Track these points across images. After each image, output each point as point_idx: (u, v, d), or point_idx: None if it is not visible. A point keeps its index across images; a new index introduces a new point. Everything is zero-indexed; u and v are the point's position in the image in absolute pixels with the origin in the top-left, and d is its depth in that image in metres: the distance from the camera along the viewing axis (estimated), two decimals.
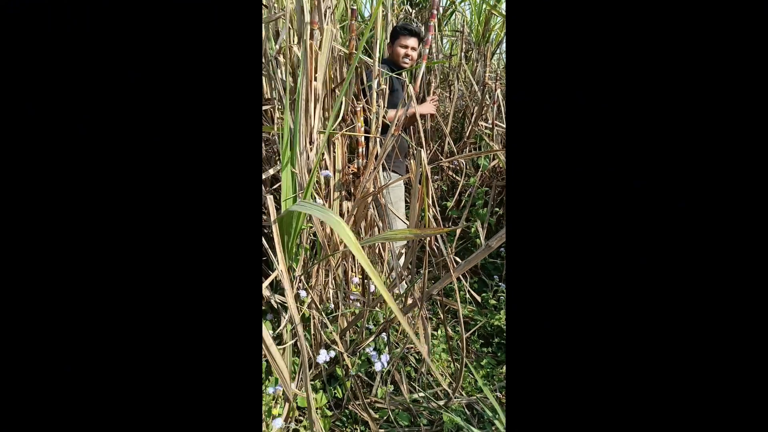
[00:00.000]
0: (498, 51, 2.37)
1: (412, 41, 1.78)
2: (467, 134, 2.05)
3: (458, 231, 2.02)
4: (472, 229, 2.00)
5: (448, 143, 2.43)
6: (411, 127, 2.15)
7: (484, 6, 2.28)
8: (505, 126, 1.91)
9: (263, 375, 1.04)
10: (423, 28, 1.91)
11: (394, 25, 1.85)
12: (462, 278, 1.83)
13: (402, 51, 1.79)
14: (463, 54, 2.78)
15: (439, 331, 1.78)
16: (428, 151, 2.40)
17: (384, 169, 1.81)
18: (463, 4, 2.48)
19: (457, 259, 1.67)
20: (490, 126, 1.88)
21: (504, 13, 2.22)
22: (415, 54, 1.82)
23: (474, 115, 2.02)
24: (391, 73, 1.77)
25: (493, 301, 1.79)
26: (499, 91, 1.84)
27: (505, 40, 2.35)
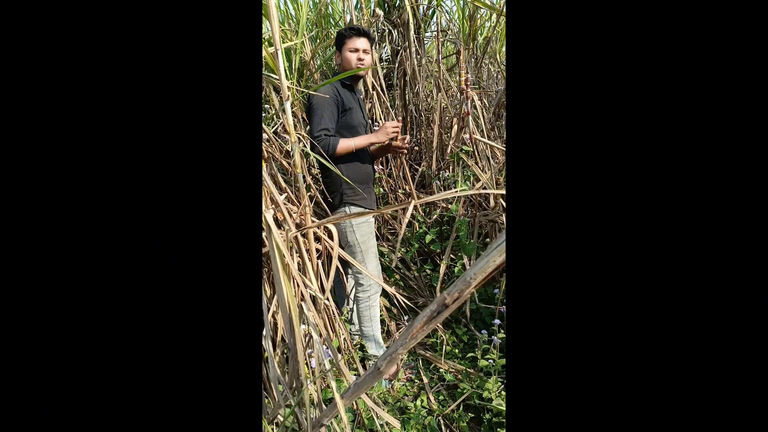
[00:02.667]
0: (489, 49, 2.03)
1: (362, 42, 1.47)
2: (447, 151, 1.70)
3: (443, 268, 1.65)
4: (457, 268, 1.62)
5: (428, 164, 2.09)
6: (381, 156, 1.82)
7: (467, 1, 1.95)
8: (487, 140, 1.54)
9: None
10: (373, 29, 1.56)
11: (339, 29, 1.53)
12: (445, 329, 1.46)
13: (353, 56, 1.48)
14: (449, 57, 2.44)
15: (419, 401, 1.41)
16: (401, 176, 2.06)
17: (343, 203, 1.47)
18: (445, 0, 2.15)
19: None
20: (470, 141, 1.53)
21: (489, 4, 1.87)
22: (368, 58, 1.50)
23: (454, 129, 1.67)
24: (334, 92, 1.44)
25: (483, 362, 1.40)
26: (475, 97, 1.49)
27: (495, 37, 2.00)
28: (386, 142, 1.48)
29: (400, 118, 1.63)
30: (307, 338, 0.69)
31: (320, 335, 0.70)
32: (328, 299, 0.99)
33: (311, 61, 2.20)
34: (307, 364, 0.97)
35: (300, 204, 1.15)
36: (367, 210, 1.51)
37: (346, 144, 1.39)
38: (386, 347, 1.68)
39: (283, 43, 2.25)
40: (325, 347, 0.74)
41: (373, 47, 1.71)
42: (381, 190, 2.09)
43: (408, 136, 1.56)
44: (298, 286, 0.68)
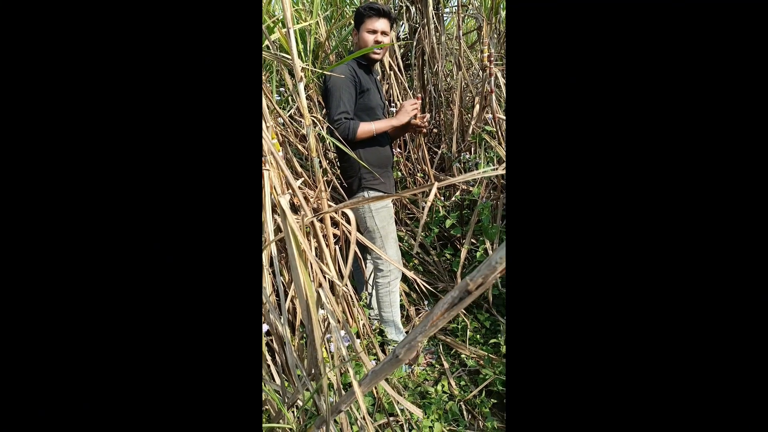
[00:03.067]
0: None
1: (381, 23, 1.40)
2: (469, 132, 1.64)
3: (464, 252, 1.61)
4: (479, 253, 1.58)
5: (447, 146, 2.02)
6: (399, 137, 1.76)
7: None
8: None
9: None
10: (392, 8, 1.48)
11: (359, 6, 1.46)
12: (467, 314, 1.44)
13: (370, 38, 1.41)
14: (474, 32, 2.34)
15: (440, 386, 1.39)
16: (421, 157, 2.00)
17: (361, 188, 1.44)
18: None
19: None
20: (493, 121, 1.46)
21: None
22: (387, 40, 1.44)
23: (476, 108, 1.60)
24: (357, 70, 1.38)
25: (506, 348, 1.37)
26: (499, 74, 1.42)
27: None
28: (406, 123, 1.43)
29: (419, 96, 1.56)
30: (325, 323, 0.68)
31: (338, 321, 0.68)
32: (346, 285, 0.97)
33: (326, 42, 2.15)
34: (326, 348, 0.96)
35: (316, 189, 1.13)
36: (386, 194, 1.48)
37: (366, 128, 1.34)
38: (406, 332, 1.67)
39: (297, 23, 2.20)
40: (343, 333, 0.72)
41: (393, 28, 1.65)
42: (399, 173, 2.05)
43: (427, 115, 1.50)
44: (314, 272, 0.66)
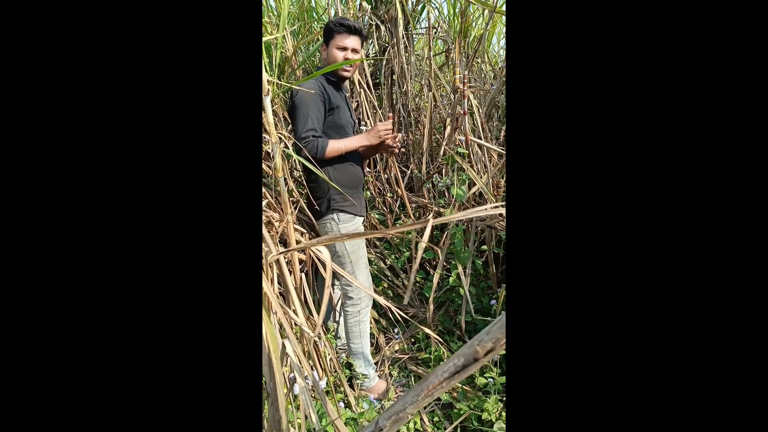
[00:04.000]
0: (480, 48, 1.94)
1: (352, 41, 1.34)
2: (440, 153, 1.60)
3: (436, 277, 1.55)
4: (451, 278, 1.53)
5: (417, 167, 1.98)
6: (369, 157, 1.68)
7: None
8: (483, 142, 1.45)
9: None
10: (365, 25, 1.42)
11: (329, 21, 1.39)
12: (441, 341, 1.36)
13: (340, 54, 1.35)
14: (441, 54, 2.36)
15: (411, 423, 1.30)
16: (393, 178, 1.95)
17: (330, 209, 1.34)
18: None
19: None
20: (465, 143, 1.43)
21: (484, 0, 1.79)
22: (357, 57, 1.38)
23: (447, 130, 1.57)
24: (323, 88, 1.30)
25: (481, 380, 1.30)
26: (471, 96, 1.40)
27: (489, 35, 1.91)
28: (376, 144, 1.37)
29: (390, 115, 1.51)
30: (290, 381, 0.58)
31: (304, 375, 0.58)
32: (320, 335, 0.87)
33: (293, 57, 2.08)
34: (289, 398, 0.84)
35: (282, 211, 1.03)
36: (357, 215, 1.38)
37: (335, 146, 1.27)
38: (375, 364, 1.57)
39: (263, 36, 2.11)
40: (311, 394, 0.62)
41: (363, 46, 1.60)
42: (368, 193, 1.98)
43: (400, 135, 1.45)
44: (278, 319, 0.56)
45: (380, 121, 2.02)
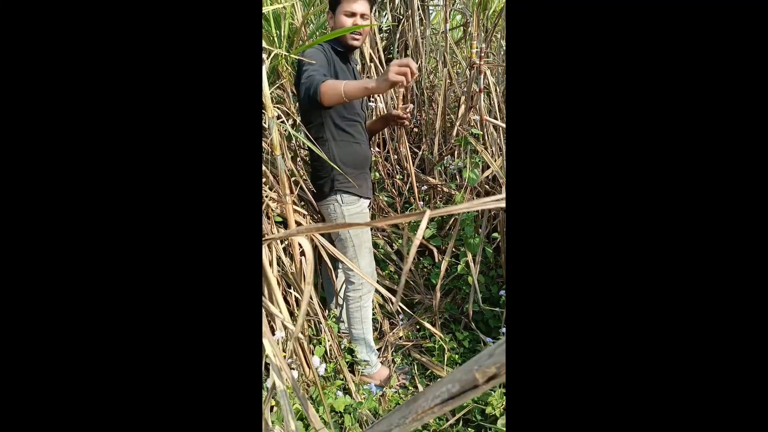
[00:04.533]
0: (500, 22, 1.81)
1: (360, 5, 1.21)
2: (453, 134, 1.51)
3: (444, 264, 1.49)
4: (460, 266, 1.46)
5: (429, 148, 1.88)
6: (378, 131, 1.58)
7: None
8: (499, 123, 1.36)
9: None
10: None
11: None
12: (443, 330, 1.31)
13: (348, 21, 1.22)
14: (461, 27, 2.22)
15: None
16: (403, 156, 1.87)
17: (333, 190, 1.26)
18: None
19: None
20: (480, 124, 1.34)
21: None
22: (366, 23, 1.24)
23: (461, 109, 1.47)
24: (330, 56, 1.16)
25: None
26: (488, 72, 1.30)
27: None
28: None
29: (402, 89, 1.38)
30: (270, 389, 0.53)
31: (287, 387, 0.53)
32: (302, 332, 0.82)
33: (303, 28, 1.98)
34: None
35: (280, 192, 0.97)
36: (362, 197, 1.30)
37: (333, 86, 1.02)
38: (378, 350, 1.53)
39: (270, 4, 2.01)
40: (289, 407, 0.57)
41: (374, 11, 1.48)
42: (377, 174, 1.90)
43: (410, 105, 1.33)
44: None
45: (391, 99, 1.92)
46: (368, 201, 1.34)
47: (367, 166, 1.34)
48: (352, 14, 1.22)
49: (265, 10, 1.85)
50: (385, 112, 1.78)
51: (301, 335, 1.00)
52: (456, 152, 1.63)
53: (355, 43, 1.26)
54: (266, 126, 0.88)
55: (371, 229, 1.70)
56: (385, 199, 1.94)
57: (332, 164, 1.14)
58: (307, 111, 1.23)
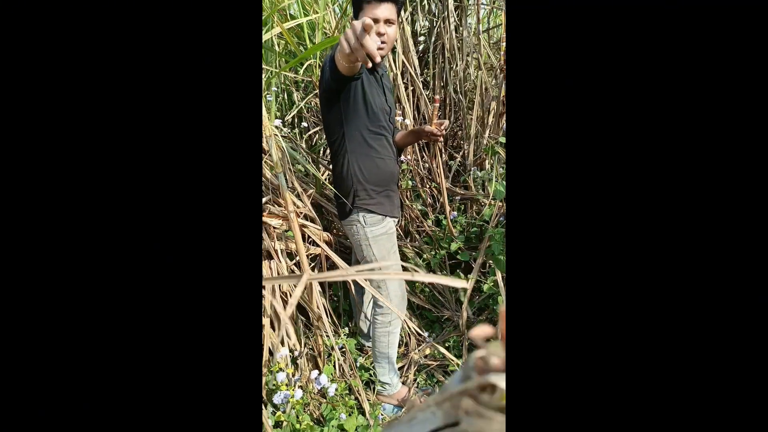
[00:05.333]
0: None
1: (384, 9, 1.10)
2: (483, 144, 1.40)
3: (470, 283, 1.39)
4: (486, 285, 1.35)
5: (464, 156, 1.76)
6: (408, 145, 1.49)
7: None
8: None
9: None
10: None
11: None
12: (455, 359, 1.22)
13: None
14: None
15: None
16: (435, 168, 1.78)
17: (355, 208, 1.17)
18: None
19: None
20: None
21: None
22: (392, 31, 1.12)
23: (490, 116, 1.36)
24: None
25: None
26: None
27: None
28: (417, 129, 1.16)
29: (437, 98, 1.29)
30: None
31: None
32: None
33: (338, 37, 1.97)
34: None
35: (286, 210, 0.95)
36: (387, 216, 1.20)
37: (348, 36, 0.76)
38: (399, 369, 1.47)
39: (302, 16, 2.04)
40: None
41: (401, 13, 1.39)
42: (410, 182, 1.84)
43: (446, 121, 1.25)
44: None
45: (427, 105, 1.85)
46: (395, 220, 1.26)
47: (393, 183, 1.25)
48: (375, 21, 1.09)
49: (300, 21, 1.88)
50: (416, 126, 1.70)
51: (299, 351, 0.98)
52: (486, 162, 1.52)
53: (380, 52, 1.13)
54: (266, 144, 0.87)
55: (402, 238, 1.64)
56: (419, 208, 1.87)
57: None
58: (329, 122, 1.17)
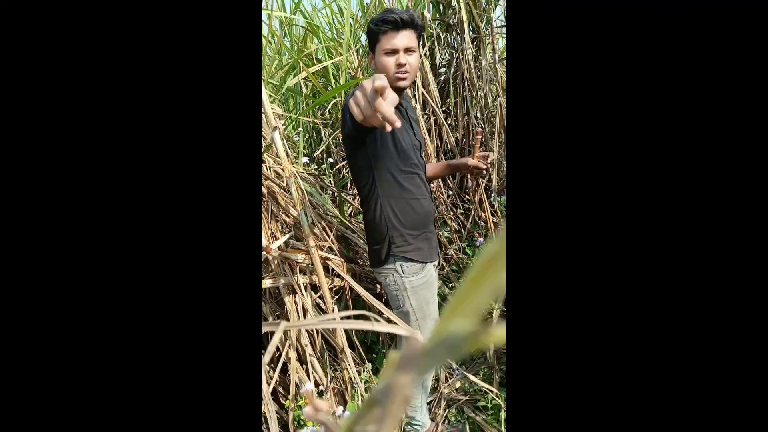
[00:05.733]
0: None
1: (403, 38, 1.01)
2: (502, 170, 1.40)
3: (496, 314, 1.35)
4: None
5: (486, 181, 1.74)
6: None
7: None
8: None
9: None
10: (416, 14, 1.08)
11: (370, 21, 1.06)
12: (499, 387, 1.17)
13: (391, 60, 1.01)
14: None
15: None
16: (477, 204, 1.78)
17: (390, 256, 1.07)
18: None
19: None
20: None
21: None
22: (414, 59, 1.03)
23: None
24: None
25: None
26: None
27: None
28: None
29: (479, 130, 1.21)
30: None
31: None
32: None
33: (361, 75, 2.07)
34: None
35: (307, 249, 0.99)
36: (427, 262, 1.10)
37: (359, 99, 0.68)
38: (428, 404, 1.43)
39: (330, 59, 2.16)
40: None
41: (422, 40, 1.28)
42: (437, 209, 1.85)
43: (491, 154, 1.19)
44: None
45: (449, 135, 1.87)
46: (434, 263, 1.16)
47: (430, 223, 1.13)
48: (394, 51, 1.01)
49: (325, 64, 1.99)
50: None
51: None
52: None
53: (403, 83, 1.03)
54: (285, 184, 0.92)
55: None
56: (445, 234, 1.86)
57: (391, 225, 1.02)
58: (356, 166, 1.08)
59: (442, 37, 1.95)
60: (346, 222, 1.52)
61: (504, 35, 1.87)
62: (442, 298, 1.71)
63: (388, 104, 0.64)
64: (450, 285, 1.75)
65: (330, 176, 2.08)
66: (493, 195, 1.55)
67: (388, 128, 0.65)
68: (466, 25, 1.75)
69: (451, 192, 1.99)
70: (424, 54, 1.88)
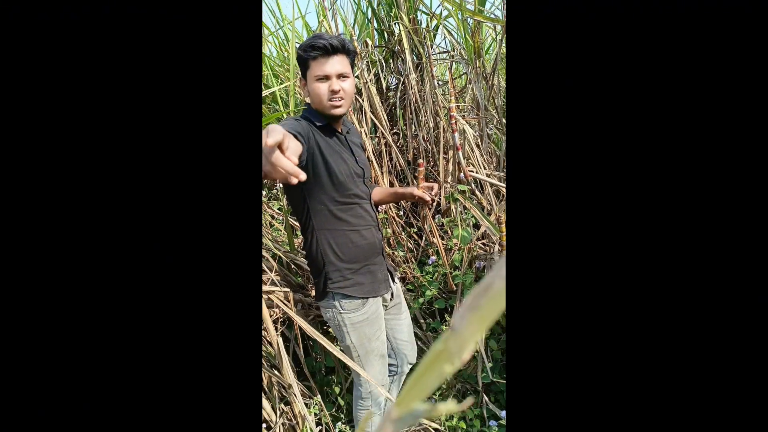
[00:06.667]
0: (497, 68, 1.77)
1: (334, 64, 0.96)
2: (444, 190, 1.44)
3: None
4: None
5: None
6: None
7: (468, 17, 1.72)
8: (481, 176, 1.27)
9: None
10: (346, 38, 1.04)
11: (296, 47, 1.01)
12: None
13: (323, 87, 0.97)
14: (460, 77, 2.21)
15: None
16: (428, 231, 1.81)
17: (326, 291, 1.03)
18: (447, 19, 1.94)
19: None
20: (465, 179, 1.26)
21: (492, 17, 1.63)
22: (348, 85, 0.99)
23: (449, 162, 1.42)
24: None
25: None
26: (467, 128, 1.24)
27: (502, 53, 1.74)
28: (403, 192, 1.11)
29: (422, 162, 1.21)
30: None
31: None
32: None
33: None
34: None
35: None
36: (368, 298, 1.05)
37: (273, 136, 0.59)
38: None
39: (278, 84, 2.17)
40: None
41: (356, 64, 1.22)
42: (389, 231, 1.86)
43: (435, 185, 1.16)
44: None
45: (398, 158, 1.91)
46: (378, 298, 1.09)
47: (375, 254, 1.07)
48: (326, 77, 0.96)
49: (272, 90, 2.00)
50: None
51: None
52: (450, 209, 1.55)
53: (338, 111, 0.99)
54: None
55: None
56: (401, 254, 1.88)
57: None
58: (291, 198, 1.05)
59: (387, 64, 2.01)
60: (297, 249, 1.50)
61: (443, 61, 1.96)
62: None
63: (291, 153, 0.60)
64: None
65: (283, 199, 2.06)
66: (437, 217, 1.59)
67: (294, 181, 0.61)
68: (407, 53, 1.82)
69: (402, 213, 2.02)
70: (370, 80, 1.93)
